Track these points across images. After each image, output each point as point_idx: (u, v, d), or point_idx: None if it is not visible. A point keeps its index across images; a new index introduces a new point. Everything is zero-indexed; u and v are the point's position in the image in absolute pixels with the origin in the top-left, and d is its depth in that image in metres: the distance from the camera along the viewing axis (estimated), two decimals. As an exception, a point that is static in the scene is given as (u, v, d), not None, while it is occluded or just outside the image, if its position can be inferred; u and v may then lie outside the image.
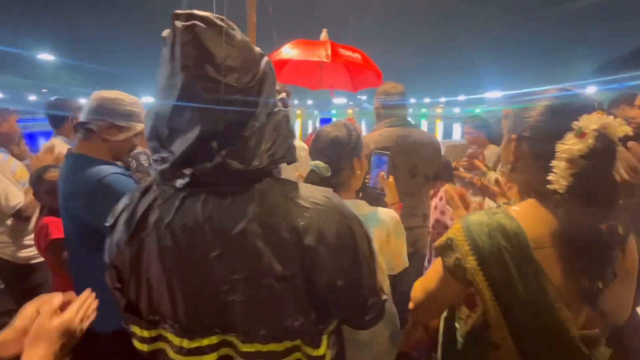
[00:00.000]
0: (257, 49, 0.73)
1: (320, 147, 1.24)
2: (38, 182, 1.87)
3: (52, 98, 2.75)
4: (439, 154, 2.28)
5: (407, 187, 2.12)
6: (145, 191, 0.79)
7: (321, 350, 0.73)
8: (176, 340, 0.75)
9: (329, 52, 2.96)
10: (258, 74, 0.71)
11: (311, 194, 0.74)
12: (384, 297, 0.83)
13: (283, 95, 0.78)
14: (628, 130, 0.76)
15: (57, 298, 0.80)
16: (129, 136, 1.47)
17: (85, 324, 0.84)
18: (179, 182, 0.71)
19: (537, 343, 0.81)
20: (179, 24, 0.67)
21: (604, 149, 0.75)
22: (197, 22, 0.67)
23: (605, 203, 0.77)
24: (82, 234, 1.39)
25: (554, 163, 0.79)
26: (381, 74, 3.35)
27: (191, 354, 0.74)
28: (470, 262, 0.82)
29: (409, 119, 2.28)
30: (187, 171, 0.70)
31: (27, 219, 2.32)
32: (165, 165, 0.72)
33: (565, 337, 0.79)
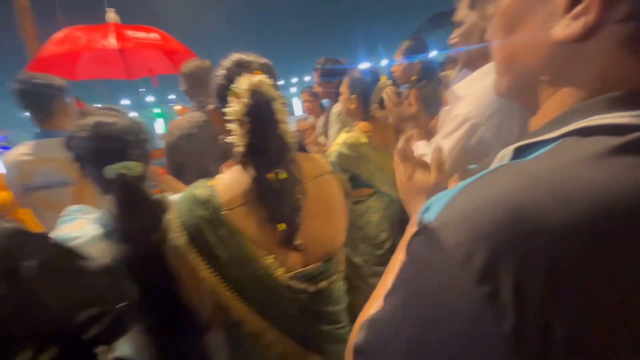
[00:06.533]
0: None
1: (114, 143, 0.88)
2: None
3: None
4: None
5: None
6: None
7: None
8: None
9: (114, 37, 2.59)
10: None
11: None
12: (117, 307, 0.72)
13: None
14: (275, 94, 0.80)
15: None
16: None
17: None
18: None
19: (259, 297, 0.83)
20: None
21: (259, 106, 0.79)
22: None
23: (277, 155, 0.82)
24: None
25: (229, 126, 0.81)
26: (190, 50, 3.10)
27: None
28: (181, 240, 0.80)
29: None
30: None
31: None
32: None
33: (274, 282, 0.83)
